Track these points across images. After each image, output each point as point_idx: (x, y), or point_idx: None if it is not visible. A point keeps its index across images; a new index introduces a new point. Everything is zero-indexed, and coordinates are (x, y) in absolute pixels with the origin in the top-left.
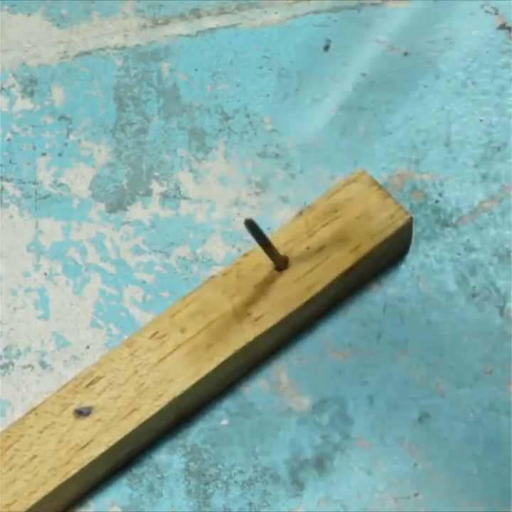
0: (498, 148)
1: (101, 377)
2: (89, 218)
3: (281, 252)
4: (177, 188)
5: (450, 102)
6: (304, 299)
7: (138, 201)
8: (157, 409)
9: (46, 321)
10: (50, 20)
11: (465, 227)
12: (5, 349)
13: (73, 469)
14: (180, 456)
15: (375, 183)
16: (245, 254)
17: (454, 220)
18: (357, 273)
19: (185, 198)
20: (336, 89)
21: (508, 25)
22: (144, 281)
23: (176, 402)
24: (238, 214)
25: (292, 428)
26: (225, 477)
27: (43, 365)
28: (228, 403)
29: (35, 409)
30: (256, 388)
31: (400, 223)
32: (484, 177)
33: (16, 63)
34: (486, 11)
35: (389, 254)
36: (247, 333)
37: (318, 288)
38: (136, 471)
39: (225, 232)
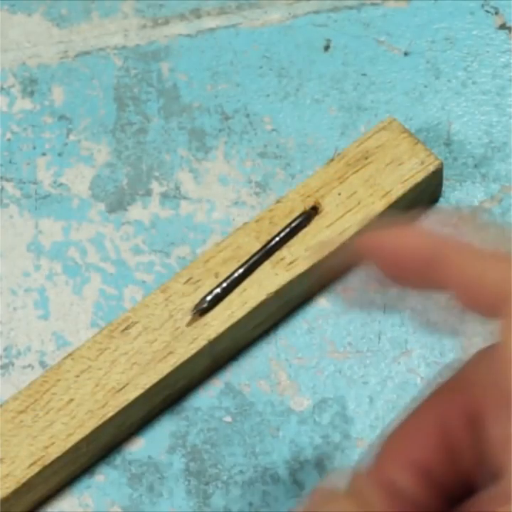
0: (498, 148)
1: (136, 322)
2: (89, 218)
3: (313, 198)
4: (177, 188)
5: (450, 102)
6: (337, 243)
7: (138, 201)
8: (192, 352)
9: (46, 321)
10: (50, 20)
11: None
12: (5, 349)
13: (110, 412)
14: (180, 456)
15: (405, 130)
16: (278, 201)
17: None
18: (389, 219)
19: (185, 198)
20: (336, 89)
21: (508, 25)
22: (143, 281)
23: (210, 345)
24: (238, 214)
25: (292, 428)
26: (225, 477)
27: (43, 365)
28: (228, 403)
29: (71, 354)
30: (256, 388)
31: (431, 168)
32: (484, 177)
33: (16, 63)
34: (486, 11)
35: (420, 201)
36: (280, 277)
37: (350, 232)
38: (136, 471)
39: (225, 232)
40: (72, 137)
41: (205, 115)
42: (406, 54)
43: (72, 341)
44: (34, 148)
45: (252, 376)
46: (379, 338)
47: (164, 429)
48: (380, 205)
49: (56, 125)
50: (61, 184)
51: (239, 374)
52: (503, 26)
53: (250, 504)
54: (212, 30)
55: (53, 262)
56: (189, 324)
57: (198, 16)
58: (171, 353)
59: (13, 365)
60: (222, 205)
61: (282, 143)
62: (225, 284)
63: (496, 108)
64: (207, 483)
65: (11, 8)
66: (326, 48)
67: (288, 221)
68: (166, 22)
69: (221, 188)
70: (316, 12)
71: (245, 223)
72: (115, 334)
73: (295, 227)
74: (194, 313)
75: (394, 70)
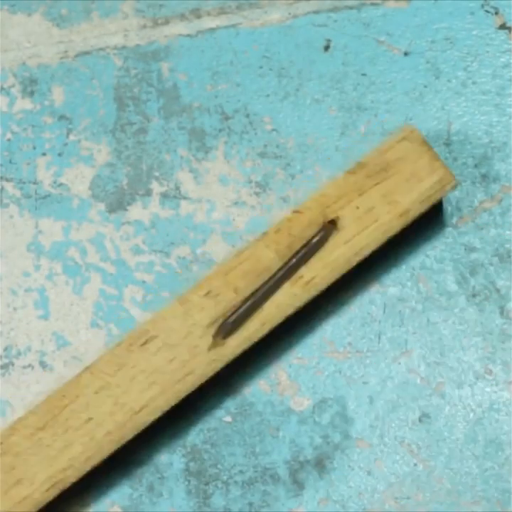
0: (498, 149)
1: (155, 337)
2: (89, 218)
3: (332, 210)
4: (177, 188)
5: (450, 102)
6: (353, 263)
7: (138, 201)
8: (209, 374)
9: (46, 321)
10: (50, 20)
11: (465, 227)
12: (5, 349)
13: (128, 434)
14: (180, 456)
15: (424, 143)
16: (295, 211)
17: (454, 220)
18: (399, 234)
19: (185, 198)
20: (336, 89)
21: (508, 25)
22: (143, 281)
23: (227, 366)
24: (238, 214)
25: (292, 428)
26: (225, 477)
27: (43, 365)
28: (228, 403)
29: (89, 368)
30: (256, 388)
31: (448, 188)
32: (484, 177)
33: (16, 63)
34: (486, 11)
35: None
36: (298, 298)
37: (366, 252)
38: (136, 471)
39: (225, 232)
40: (72, 137)
41: (205, 115)
42: (406, 54)
43: (72, 341)
44: (34, 148)
45: (252, 376)
46: (379, 338)
47: (164, 429)
48: (397, 224)
49: (56, 125)
50: (61, 184)
51: (239, 374)
52: (503, 26)
53: (250, 504)
54: (212, 30)
55: (53, 262)
56: (211, 348)
57: (198, 16)
58: (189, 374)
59: (13, 365)
60: (222, 205)
61: (282, 143)
62: (246, 305)
63: (496, 108)
64: (207, 483)
65: (11, 8)
66: (326, 47)
67: (307, 234)
68: (166, 22)
69: (221, 188)
70: (316, 12)
71: (264, 233)
72: (134, 348)
73: (314, 244)
74: (216, 336)
75: (394, 70)
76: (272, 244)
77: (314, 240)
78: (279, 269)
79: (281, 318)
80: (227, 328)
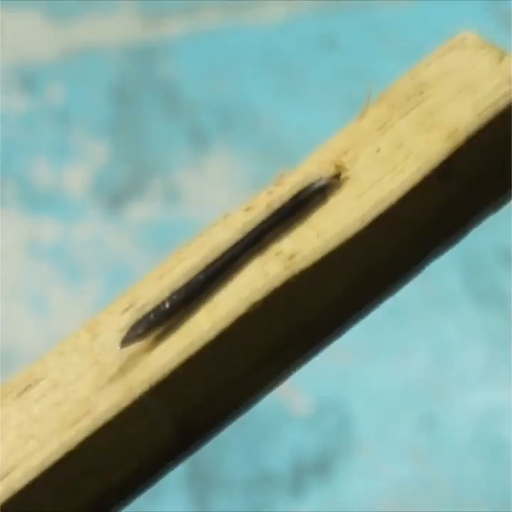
0: None
1: (41, 379)
2: (89, 218)
3: (339, 161)
4: (177, 188)
5: None
6: (368, 219)
7: (138, 201)
8: (123, 404)
9: (45, 322)
10: (50, 20)
11: None
12: (4, 350)
13: None
14: None
15: (484, 45)
16: (278, 183)
17: None
18: (460, 177)
19: (185, 198)
20: (338, 88)
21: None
22: None
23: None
24: None
25: (294, 430)
26: (225, 480)
27: None
28: None
29: None
30: None
31: None
32: None
33: (16, 63)
34: (490, 10)
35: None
36: (273, 279)
37: (392, 199)
38: None
39: None
40: (72, 137)
41: (205, 115)
42: (409, 53)
43: None
44: (34, 148)
45: None
46: (380, 339)
47: None
48: (441, 150)
49: (56, 125)
50: (61, 184)
51: None
52: (507, 25)
53: (250, 505)
54: (212, 30)
55: (53, 262)
56: (120, 372)
57: (198, 16)
58: (85, 415)
59: (12, 365)
60: (222, 205)
61: (283, 142)
62: (180, 295)
63: None
64: (207, 486)
65: (11, 7)
66: (329, 46)
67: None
68: (166, 22)
69: (221, 188)
70: (319, 11)
71: (226, 215)
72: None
73: (302, 202)
74: (125, 343)
75: (397, 69)
76: (237, 224)
77: (303, 196)
78: (240, 241)
79: (243, 312)
80: (144, 327)
